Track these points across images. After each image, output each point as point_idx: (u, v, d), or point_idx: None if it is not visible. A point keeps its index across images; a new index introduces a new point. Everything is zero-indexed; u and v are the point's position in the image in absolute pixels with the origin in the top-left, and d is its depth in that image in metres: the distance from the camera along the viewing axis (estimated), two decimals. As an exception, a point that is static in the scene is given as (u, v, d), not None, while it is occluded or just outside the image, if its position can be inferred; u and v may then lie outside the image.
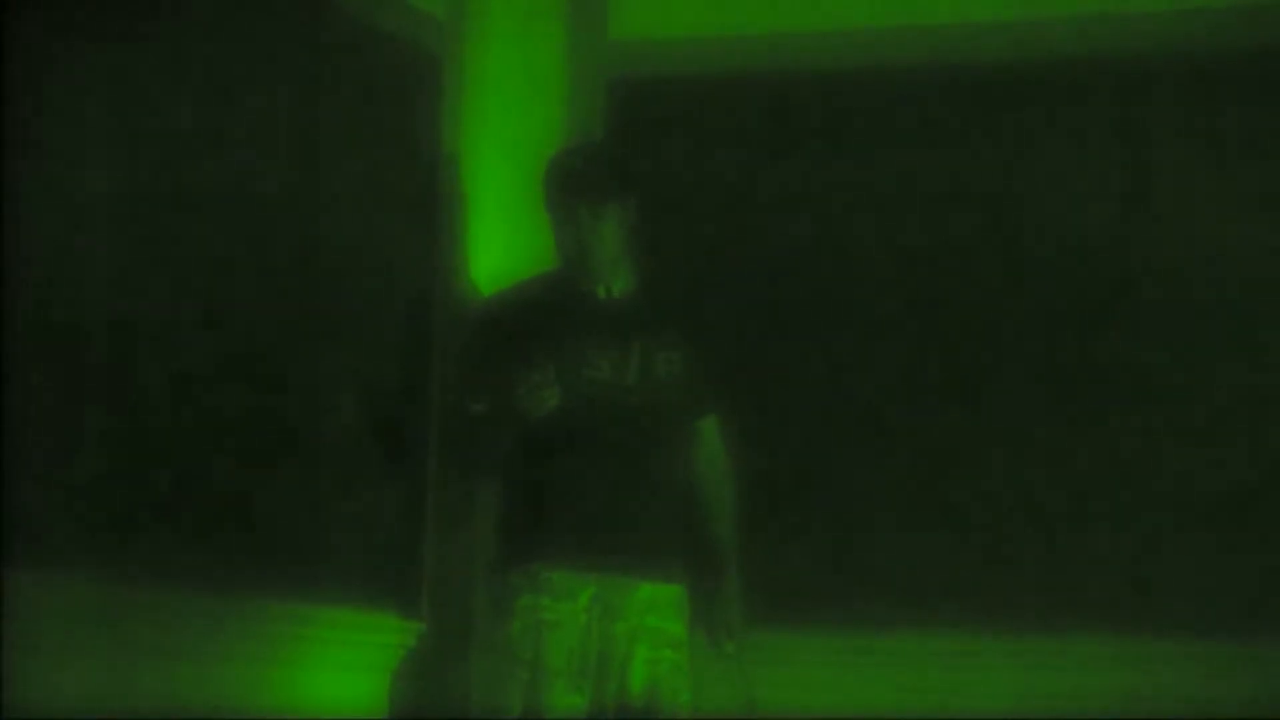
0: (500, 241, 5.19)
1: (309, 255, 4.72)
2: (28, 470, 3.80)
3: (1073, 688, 4.98)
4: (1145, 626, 5.03)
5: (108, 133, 4.07)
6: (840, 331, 5.34)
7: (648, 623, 4.48)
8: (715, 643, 4.65)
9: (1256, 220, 5.14)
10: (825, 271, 5.38)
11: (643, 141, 5.41)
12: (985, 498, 5.22)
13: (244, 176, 4.51)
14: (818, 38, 5.43)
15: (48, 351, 3.88)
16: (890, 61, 5.39)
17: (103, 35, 4.04)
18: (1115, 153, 5.26)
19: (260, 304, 4.56)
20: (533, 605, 4.45)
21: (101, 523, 4.02)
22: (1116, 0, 5.27)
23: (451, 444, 4.77)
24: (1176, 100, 5.22)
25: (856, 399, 5.31)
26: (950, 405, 5.26)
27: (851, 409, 5.31)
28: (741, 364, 5.08)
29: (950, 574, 5.19)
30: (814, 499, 5.30)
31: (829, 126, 5.42)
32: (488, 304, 4.80)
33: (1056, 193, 5.28)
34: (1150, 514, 5.11)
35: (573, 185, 4.54)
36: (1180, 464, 5.11)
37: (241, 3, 4.55)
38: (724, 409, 4.68)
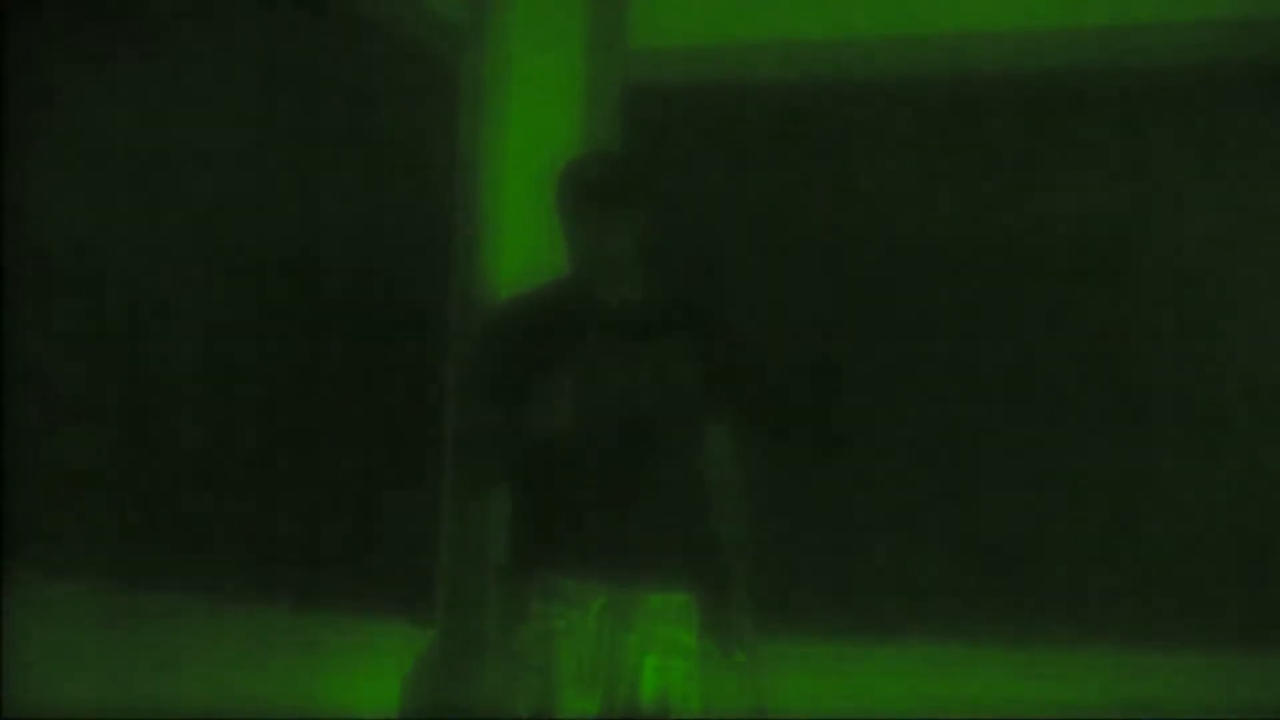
0: (516, 249, 5.19)
1: (323, 260, 4.72)
2: (32, 473, 3.80)
3: (1076, 696, 4.96)
4: (1149, 634, 5.02)
5: (118, 135, 4.07)
6: (854, 336, 5.33)
7: (658, 632, 4.47)
8: (726, 652, 4.65)
9: (1257, 227, 5.13)
10: (842, 278, 5.37)
11: (661, 150, 5.40)
12: (993, 506, 5.21)
13: (259, 182, 4.51)
14: (836, 46, 5.43)
15: (52, 354, 3.88)
16: (910, 70, 5.39)
17: (110, 39, 4.04)
18: (1121, 161, 5.25)
19: (273, 308, 4.56)
20: (545, 612, 4.44)
21: (106, 527, 4.01)
22: (1119, 12, 5.26)
23: (461, 452, 4.76)
24: (1178, 112, 5.21)
25: (866, 405, 5.29)
26: (957, 411, 5.25)
27: (861, 415, 5.29)
28: (755, 369, 5.06)
29: (960, 583, 5.17)
30: (823, 507, 5.28)
31: (848, 134, 5.41)
32: (496, 310, 4.79)
33: (1066, 199, 5.27)
34: (1155, 522, 5.10)
35: (585, 192, 4.53)
36: (1186, 472, 5.09)
37: (256, 8, 4.55)
38: (735, 417, 4.68)
